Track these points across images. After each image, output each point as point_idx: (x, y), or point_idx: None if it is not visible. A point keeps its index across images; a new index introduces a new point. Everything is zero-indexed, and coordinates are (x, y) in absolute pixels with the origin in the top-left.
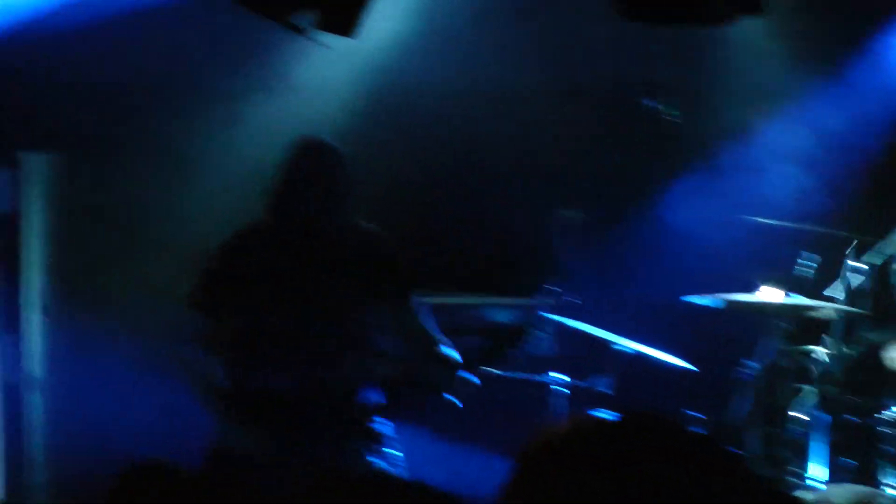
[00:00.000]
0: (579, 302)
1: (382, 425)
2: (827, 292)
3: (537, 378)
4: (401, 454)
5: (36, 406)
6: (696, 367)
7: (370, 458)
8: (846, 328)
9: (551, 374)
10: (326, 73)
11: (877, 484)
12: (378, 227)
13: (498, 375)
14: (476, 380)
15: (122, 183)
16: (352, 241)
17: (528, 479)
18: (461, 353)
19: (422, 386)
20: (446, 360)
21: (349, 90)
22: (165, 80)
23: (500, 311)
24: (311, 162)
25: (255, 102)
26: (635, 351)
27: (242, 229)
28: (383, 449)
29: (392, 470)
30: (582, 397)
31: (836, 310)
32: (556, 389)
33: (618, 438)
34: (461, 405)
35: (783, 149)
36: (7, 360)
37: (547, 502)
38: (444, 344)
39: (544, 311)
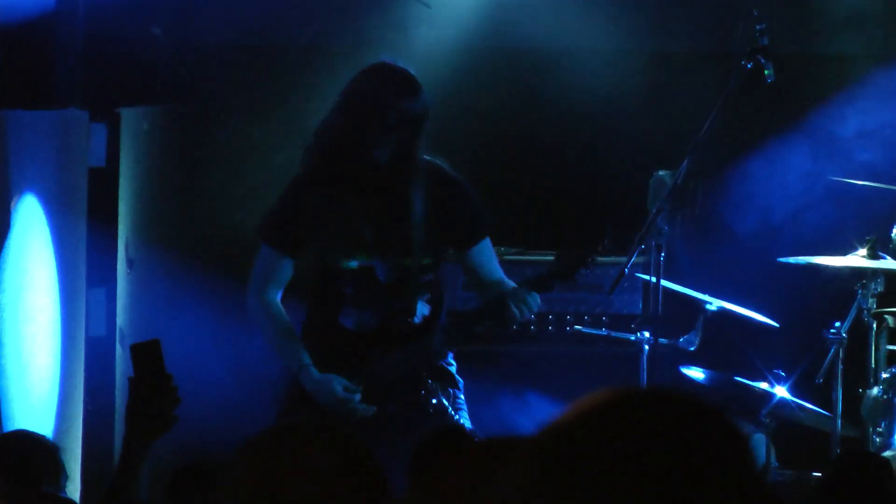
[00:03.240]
0: (670, 260)
1: (451, 366)
2: None
3: (625, 336)
4: (462, 395)
5: (120, 359)
6: (783, 325)
7: (439, 399)
8: None
9: (639, 331)
10: (425, 32)
11: None
12: (459, 174)
13: (586, 333)
14: (537, 300)
15: (218, 138)
16: (428, 181)
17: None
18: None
19: (489, 323)
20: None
21: (448, 49)
22: (262, 37)
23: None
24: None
25: (357, 62)
26: (722, 308)
27: (315, 168)
28: (451, 390)
29: (456, 411)
30: (668, 354)
31: None
32: (644, 347)
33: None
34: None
35: (879, 112)
36: (98, 313)
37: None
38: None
39: (635, 270)
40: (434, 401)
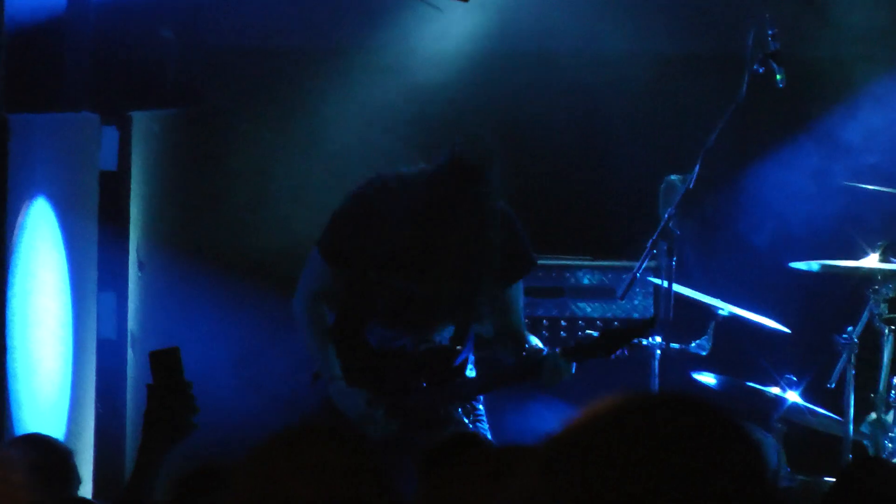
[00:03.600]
0: (681, 265)
1: (478, 402)
2: None
3: (636, 340)
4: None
5: (131, 362)
6: (794, 330)
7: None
8: None
9: (651, 336)
10: (438, 36)
11: None
12: (511, 210)
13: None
14: (572, 370)
15: (229, 141)
16: (488, 220)
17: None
18: (560, 315)
19: (511, 376)
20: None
21: (460, 53)
22: (273, 40)
23: (601, 273)
24: (473, 155)
25: (367, 65)
26: (733, 314)
27: (384, 182)
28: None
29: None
30: (680, 359)
31: None
32: (656, 352)
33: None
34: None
35: (888, 116)
36: (109, 317)
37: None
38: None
39: (646, 274)
40: (453, 415)
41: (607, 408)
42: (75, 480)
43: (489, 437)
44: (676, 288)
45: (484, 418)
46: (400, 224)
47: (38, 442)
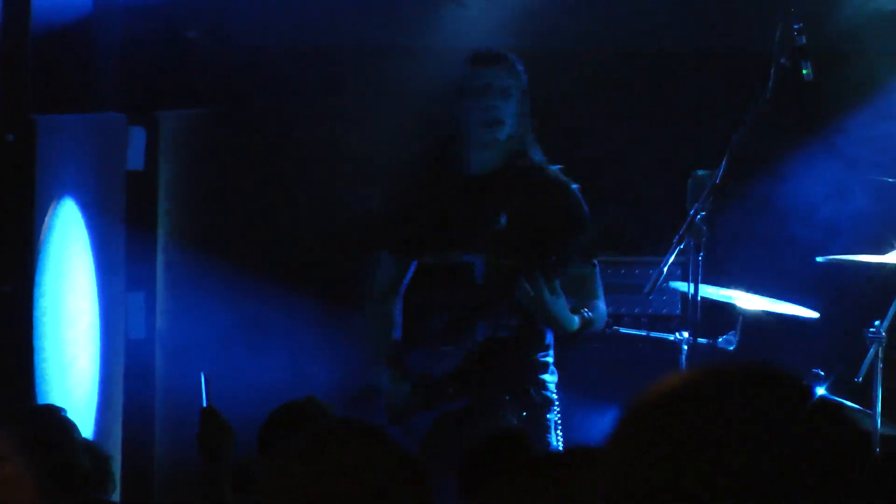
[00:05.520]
0: (708, 261)
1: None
2: None
3: (664, 336)
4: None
5: (159, 362)
6: (822, 324)
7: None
8: None
9: (678, 332)
10: (461, 33)
11: None
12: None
13: (625, 333)
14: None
15: (256, 141)
16: (543, 186)
17: (634, 428)
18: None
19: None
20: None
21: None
22: (300, 39)
23: (628, 268)
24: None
25: (397, 64)
26: (761, 309)
27: (431, 172)
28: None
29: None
30: (707, 355)
31: None
32: (683, 347)
33: (730, 389)
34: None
35: None
36: (137, 317)
37: (650, 452)
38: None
39: (673, 272)
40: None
41: (707, 376)
42: (111, 485)
43: (558, 438)
44: (702, 284)
45: (549, 427)
46: (447, 197)
47: (77, 443)
